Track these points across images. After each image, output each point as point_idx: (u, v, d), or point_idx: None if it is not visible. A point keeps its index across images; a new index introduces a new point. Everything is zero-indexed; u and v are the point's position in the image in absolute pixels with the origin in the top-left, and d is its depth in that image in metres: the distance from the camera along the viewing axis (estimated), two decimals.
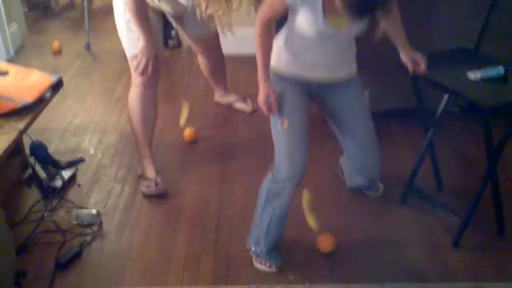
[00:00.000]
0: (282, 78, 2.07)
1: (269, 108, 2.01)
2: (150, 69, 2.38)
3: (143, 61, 2.36)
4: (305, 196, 2.28)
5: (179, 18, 2.71)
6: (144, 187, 2.56)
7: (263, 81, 1.99)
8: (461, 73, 2.09)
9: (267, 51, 1.98)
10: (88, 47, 4.13)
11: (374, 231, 2.30)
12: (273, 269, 2.11)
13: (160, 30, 2.56)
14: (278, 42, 2.05)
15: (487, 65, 2.10)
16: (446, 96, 2.27)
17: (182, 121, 3.05)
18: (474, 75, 2.06)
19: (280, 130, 2.03)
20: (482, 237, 2.25)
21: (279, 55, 2.05)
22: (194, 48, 3.08)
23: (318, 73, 2.07)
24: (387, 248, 2.21)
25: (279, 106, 2.02)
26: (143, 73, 2.40)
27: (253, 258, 2.15)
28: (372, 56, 2.53)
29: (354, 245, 2.23)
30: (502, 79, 2.06)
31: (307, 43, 1.96)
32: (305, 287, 2.01)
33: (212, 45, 3.00)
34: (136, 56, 2.37)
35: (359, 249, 2.21)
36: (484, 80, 2.05)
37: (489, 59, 2.19)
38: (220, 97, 3.33)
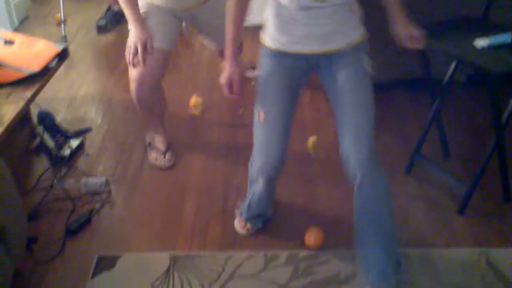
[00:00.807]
0: (271, 53, 1.85)
1: (230, 90, 1.86)
2: (141, 58, 2.22)
3: (132, 48, 2.22)
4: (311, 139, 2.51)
5: (203, 29, 2.60)
6: (152, 158, 2.58)
7: (229, 59, 1.82)
8: (469, 41, 2.08)
9: (238, 24, 1.79)
10: (64, 40, 3.79)
11: None
12: (246, 231, 2.16)
13: (166, 26, 2.36)
14: (267, 15, 1.83)
15: (495, 32, 2.08)
16: (453, 64, 2.26)
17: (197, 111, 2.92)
18: (482, 42, 2.05)
19: (257, 120, 1.89)
20: (488, 205, 2.26)
21: (268, 28, 1.83)
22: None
23: (310, 46, 1.80)
24: (394, 215, 2.22)
25: (261, 93, 1.88)
26: (134, 63, 2.25)
27: (236, 216, 2.21)
28: (378, 25, 2.51)
29: None
30: (510, 46, 2.04)
31: (295, 14, 1.73)
32: (311, 253, 2.04)
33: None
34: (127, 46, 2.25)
35: None
36: (492, 48, 2.03)
37: (497, 27, 2.17)
38: None
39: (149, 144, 2.63)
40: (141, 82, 2.29)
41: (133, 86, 2.33)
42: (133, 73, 2.29)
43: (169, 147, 2.59)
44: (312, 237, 2.08)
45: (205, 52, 3.58)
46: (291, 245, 2.09)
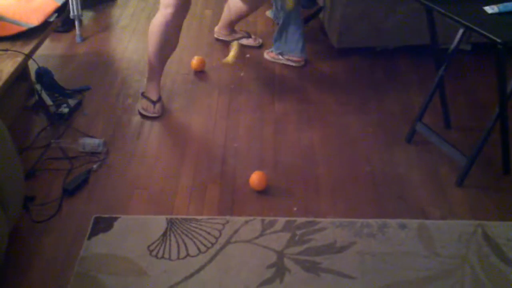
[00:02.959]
0: None
1: None
2: None
3: None
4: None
5: None
6: (142, 107, 2.61)
7: None
8: (478, 6, 2.03)
9: None
10: (80, 39, 3.27)
11: (379, 167, 2.30)
12: None
13: None
14: None
15: None
16: (460, 31, 2.21)
17: (229, 58, 2.91)
18: (491, 9, 2.00)
19: None
20: (487, 177, 2.25)
21: None
22: None
23: None
24: (391, 185, 2.22)
25: None
26: None
27: None
28: None
29: (359, 180, 2.24)
30: None
31: None
32: (309, 220, 2.04)
33: None
34: None
35: (363, 185, 2.22)
36: (502, 14, 1.98)
37: None
38: (223, 35, 3.24)
39: (142, 94, 2.64)
40: (176, 16, 2.41)
41: (164, 20, 2.41)
42: (169, 8, 2.38)
43: (160, 98, 2.61)
44: (254, 179, 2.16)
45: (207, 16, 3.52)
46: (289, 212, 2.09)
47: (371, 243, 1.94)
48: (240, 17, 3.12)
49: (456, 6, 2.06)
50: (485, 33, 1.92)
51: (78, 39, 3.19)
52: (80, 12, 3.16)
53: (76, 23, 3.16)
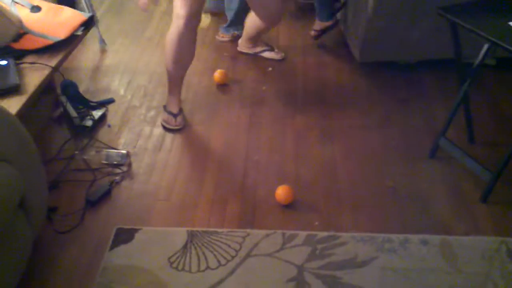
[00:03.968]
0: None
1: None
2: (194, 5, 2.37)
3: None
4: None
5: None
6: (163, 119, 2.65)
7: None
8: (504, 22, 2.01)
9: None
10: (101, 42, 3.37)
11: (401, 182, 2.28)
12: None
13: None
14: None
15: None
16: (485, 46, 2.19)
17: None
18: None
19: None
20: None
21: None
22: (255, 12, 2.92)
23: None
24: (414, 200, 2.19)
25: None
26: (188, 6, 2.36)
27: None
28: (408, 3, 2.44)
29: (381, 195, 2.22)
30: None
31: None
32: (330, 235, 2.03)
33: (274, 15, 2.88)
34: None
35: (385, 200, 2.20)
36: None
37: None
38: (247, 48, 3.26)
39: (164, 107, 2.68)
40: (189, 26, 2.43)
41: (178, 30, 2.44)
42: (182, 18, 2.41)
43: (181, 111, 2.66)
44: (280, 193, 2.16)
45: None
46: (310, 226, 2.08)
47: (392, 259, 1.92)
48: (259, 33, 3.10)
49: (481, 21, 2.05)
50: (511, 48, 1.90)
51: (100, 43, 3.29)
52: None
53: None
